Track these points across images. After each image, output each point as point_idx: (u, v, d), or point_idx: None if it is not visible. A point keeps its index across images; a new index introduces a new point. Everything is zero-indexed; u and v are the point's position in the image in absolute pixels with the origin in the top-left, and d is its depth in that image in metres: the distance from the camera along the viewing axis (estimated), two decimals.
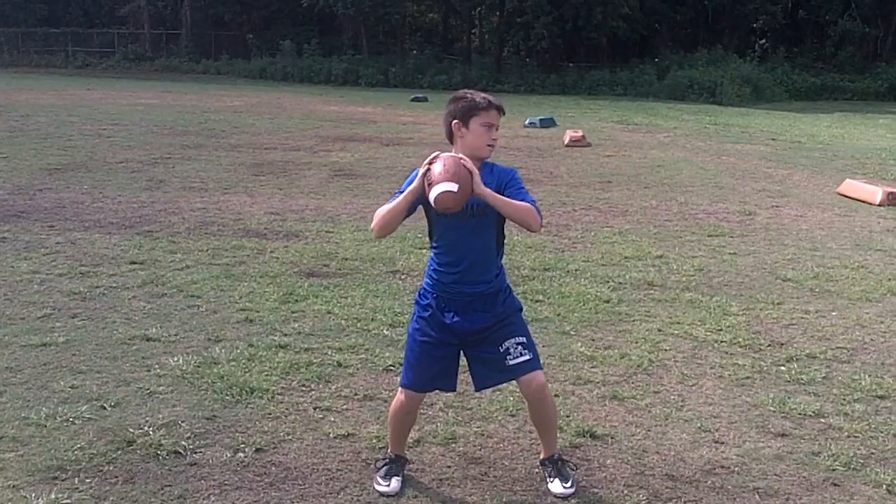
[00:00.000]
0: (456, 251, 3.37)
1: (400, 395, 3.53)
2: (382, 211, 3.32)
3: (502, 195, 3.25)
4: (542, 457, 3.65)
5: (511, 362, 3.40)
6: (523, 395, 3.55)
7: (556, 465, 3.58)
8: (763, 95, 35.06)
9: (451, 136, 3.39)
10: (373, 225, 3.35)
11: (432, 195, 3.12)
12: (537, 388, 3.43)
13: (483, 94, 3.35)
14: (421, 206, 3.34)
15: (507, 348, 3.41)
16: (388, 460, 3.57)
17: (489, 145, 3.33)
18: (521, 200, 3.27)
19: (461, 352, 3.49)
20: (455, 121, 3.32)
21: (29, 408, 4.07)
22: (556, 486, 3.53)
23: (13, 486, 3.37)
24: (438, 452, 3.81)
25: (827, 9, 41.62)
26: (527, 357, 3.42)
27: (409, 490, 3.48)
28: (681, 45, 41.62)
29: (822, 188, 11.98)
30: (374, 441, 3.87)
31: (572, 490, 3.51)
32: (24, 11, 48.79)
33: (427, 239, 3.54)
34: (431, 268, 3.47)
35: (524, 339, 3.44)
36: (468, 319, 3.39)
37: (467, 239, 3.35)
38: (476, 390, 3.70)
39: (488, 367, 3.46)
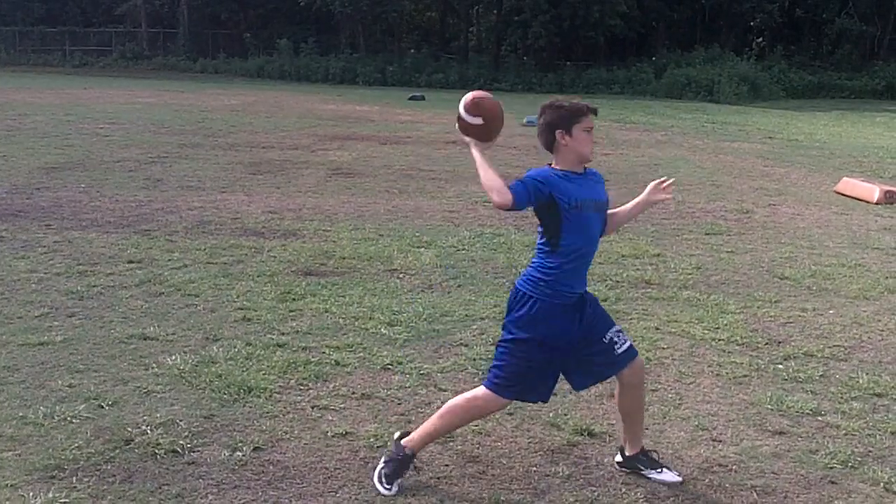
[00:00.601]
0: (583, 252, 3.43)
1: (496, 402, 3.49)
2: (497, 184, 3.28)
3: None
4: (632, 452, 3.67)
5: (619, 351, 3.49)
6: (625, 383, 3.56)
7: (649, 455, 3.67)
8: (760, 94, 35.12)
9: (551, 146, 3.42)
10: (498, 199, 3.26)
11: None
12: (642, 371, 3.60)
13: (574, 101, 3.43)
14: (542, 209, 3.34)
15: (612, 338, 3.49)
16: (405, 457, 3.50)
17: (592, 148, 3.42)
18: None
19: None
20: (559, 130, 3.37)
21: (27, 407, 4.07)
22: (669, 475, 3.62)
23: (11, 486, 3.37)
24: (436, 451, 3.81)
25: (824, 7, 41.70)
26: (629, 342, 3.53)
27: (407, 489, 3.48)
28: (678, 44, 41.65)
29: (819, 186, 12.00)
30: (371, 440, 3.87)
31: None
32: (22, 10, 48.70)
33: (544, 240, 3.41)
34: (549, 274, 3.37)
35: (619, 326, 3.58)
36: (583, 322, 3.45)
37: (594, 236, 3.45)
38: (579, 389, 3.82)
39: (598, 364, 3.51)
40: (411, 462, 3.51)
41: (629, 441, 3.68)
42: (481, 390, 3.48)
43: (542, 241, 3.41)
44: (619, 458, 3.73)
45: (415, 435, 3.54)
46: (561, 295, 3.38)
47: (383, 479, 3.47)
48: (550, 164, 3.43)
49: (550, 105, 3.42)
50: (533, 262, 3.44)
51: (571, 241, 3.35)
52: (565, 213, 3.31)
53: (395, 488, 3.45)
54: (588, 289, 3.54)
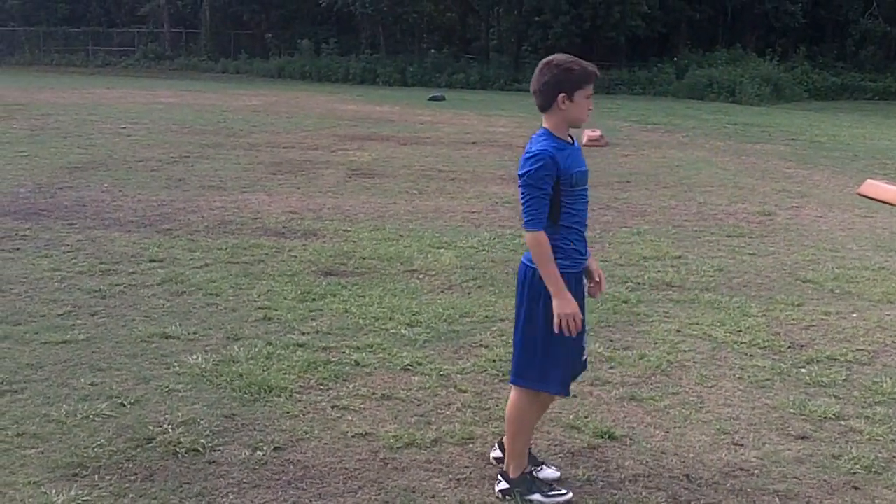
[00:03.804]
0: (583, 220, 3.39)
1: (547, 400, 3.50)
2: (545, 256, 3.23)
3: None
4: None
5: (584, 357, 3.53)
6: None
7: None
8: (783, 95, 34.84)
9: (548, 107, 3.29)
10: (539, 255, 3.24)
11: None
12: None
13: (584, 65, 3.25)
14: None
15: (583, 344, 3.49)
16: (527, 480, 3.47)
17: (588, 114, 3.33)
18: None
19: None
20: (562, 93, 3.23)
21: (49, 405, 4.10)
22: (548, 472, 3.61)
23: (34, 483, 3.40)
24: (456, 452, 3.81)
25: (847, 8, 41.33)
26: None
27: (426, 490, 3.48)
28: (700, 45, 41.36)
29: (842, 188, 11.89)
30: (391, 440, 3.87)
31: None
32: (46, 10, 49.15)
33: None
34: (565, 249, 3.32)
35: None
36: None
37: (585, 207, 3.41)
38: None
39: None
40: (533, 478, 3.49)
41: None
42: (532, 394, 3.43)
43: None
44: (497, 452, 3.70)
45: (508, 460, 3.51)
46: (574, 262, 3.35)
47: (550, 494, 3.42)
48: (545, 128, 3.31)
49: (555, 64, 3.25)
50: None
51: (571, 215, 3.31)
52: (566, 192, 3.27)
53: (564, 491, 3.45)
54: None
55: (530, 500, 3.41)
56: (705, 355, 5.13)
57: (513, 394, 3.49)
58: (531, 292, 3.33)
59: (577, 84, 3.23)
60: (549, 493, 3.44)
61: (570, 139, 3.35)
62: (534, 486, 3.46)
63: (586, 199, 3.41)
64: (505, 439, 3.56)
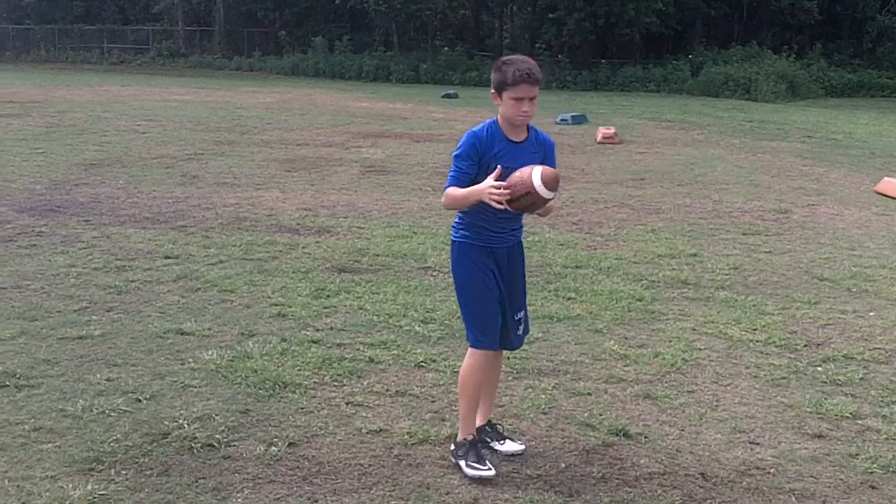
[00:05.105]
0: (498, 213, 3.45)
1: (481, 359, 3.61)
2: (453, 195, 3.43)
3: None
4: (479, 424, 3.78)
5: (520, 332, 3.75)
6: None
7: (495, 427, 3.83)
8: (798, 92, 34.62)
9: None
10: (444, 201, 3.50)
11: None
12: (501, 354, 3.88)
13: (519, 66, 3.38)
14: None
15: (520, 318, 3.70)
16: (469, 443, 3.61)
17: (520, 117, 3.43)
18: None
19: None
20: (493, 91, 3.46)
21: (66, 399, 4.12)
22: (511, 446, 3.77)
23: (51, 477, 3.42)
24: None
25: (864, 4, 41.02)
26: (525, 330, 3.81)
27: (441, 486, 3.48)
28: (715, 41, 41.19)
29: (859, 186, 11.81)
30: (405, 437, 3.87)
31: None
32: (61, 8, 49.43)
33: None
34: (471, 226, 3.55)
35: (526, 311, 3.77)
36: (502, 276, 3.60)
37: None
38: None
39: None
40: (477, 443, 3.61)
41: (479, 412, 3.79)
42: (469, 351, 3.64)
43: None
44: (507, 447, 3.81)
45: (459, 425, 3.69)
46: (478, 235, 3.52)
47: (475, 465, 3.53)
48: (496, 117, 3.52)
49: (497, 63, 3.46)
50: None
51: (484, 202, 3.33)
52: (485, 178, 3.38)
53: (488, 468, 3.53)
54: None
55: (458, 465, 3.57)
56: (721, 353, 5.11)
57: None
58: (451, 264, 3.67)
59: (501, 85, 3.41)
60: (473, 464, 3.53)
61: (517, 138, 3.48)
62: (468, 452, 3.57)
63: None
64: None
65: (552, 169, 3.32)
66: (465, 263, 3.56)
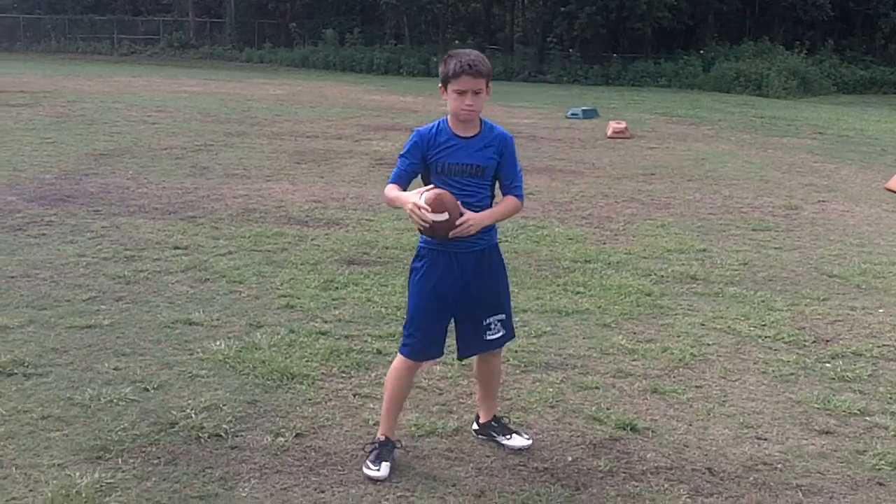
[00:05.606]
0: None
1: (402, 367, 3.60)
2: (388, 195, 3.42)
3: (499, 162, 3.47)
4: (485, 420, 3.80)
5: (489, 337, 3.62)
6: (484, 358, 3.74)
7: (501, 422, 3.81)
8: (810, 88, 34.45)
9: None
10: (385, 198, 3.47)
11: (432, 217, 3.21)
12: (499, 354, 3.84)
13: (462, 58, 3.34)
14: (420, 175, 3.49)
15: (490, 323, 3.59)
16: (380, 443, 3.57)
17: (463, 110, 3.38)
18: (513, 181, 3.51)
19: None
20: (440, 85, 3.45)
21: (74, 388, 4.14)
22: (518, 441, 3.75)
23: (58, 465, 3.43)
24: (477, 442, 3.80)
25: (877, 1, 40.77)
26: (502, 334, 3.67)
27: (447, 478, 3.48)
28: (727, 37, 41.00)
29: (870, 183, 11.75)
30: (412, 429, 3.87)
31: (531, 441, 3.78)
32: None
33: None
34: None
35: (504, 315, 3.65)
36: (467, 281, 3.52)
37: (463, 199, 3.38)
38: (460, 358, 3.86)
39: (467, 335, 3.63)
40: (384, 445, 3.55)
41: (483, 409, 3.81)
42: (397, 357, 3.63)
43: None
44: (475, 426, 3.86)
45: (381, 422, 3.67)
46: (444, 244, 3.42)
47: (369, 464, 3.49)
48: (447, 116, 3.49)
49: (445, 57, 3.43)
50: None
51: None
52: (434, 176, 3.43)
53: (383, 468, 3.46)
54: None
55: (364, 463, 3.53)
56: (729, 349, 5.10)
57: None
58: (409, 272, 3.59)
59: (446, 78, 3.38)
60: (368, 463, 3.50)
61: (465, 133, 3.43)
62: (371, 451, 3.54)
63: (461, 190, 3.40)
64: None
65: (437, 190, 3.27)
66: (424, 284, 3.48)
